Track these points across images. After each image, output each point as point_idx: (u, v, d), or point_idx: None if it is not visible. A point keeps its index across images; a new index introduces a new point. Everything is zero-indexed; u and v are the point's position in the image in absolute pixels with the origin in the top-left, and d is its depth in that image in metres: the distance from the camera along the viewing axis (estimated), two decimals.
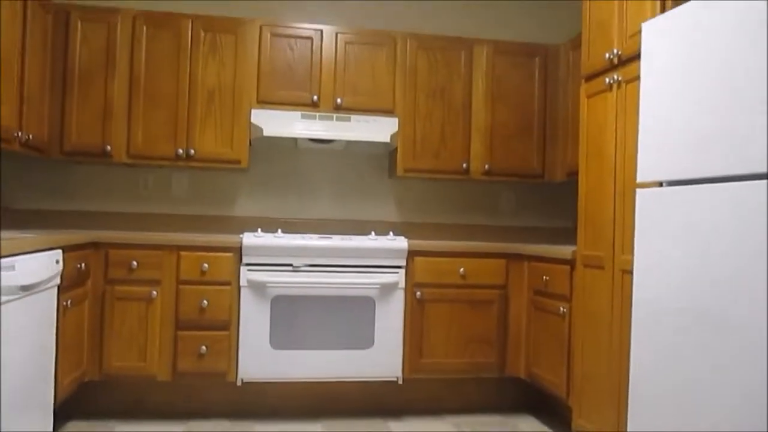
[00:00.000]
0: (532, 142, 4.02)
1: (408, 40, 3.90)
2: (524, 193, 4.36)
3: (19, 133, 3.14)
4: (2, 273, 2.14)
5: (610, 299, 2.72)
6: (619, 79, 2.71)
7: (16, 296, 2.29)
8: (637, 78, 2.54)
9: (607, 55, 2.79)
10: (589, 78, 2.99)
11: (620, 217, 2.66)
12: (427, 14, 4.27)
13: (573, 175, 3.70)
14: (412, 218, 4.23)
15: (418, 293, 3.54)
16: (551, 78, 4.03)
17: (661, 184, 2.23)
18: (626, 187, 2.61)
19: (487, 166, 3.93)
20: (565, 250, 3.16)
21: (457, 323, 3.58)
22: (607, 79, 2.79)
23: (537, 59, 4.03)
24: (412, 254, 3.55)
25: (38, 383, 2.58)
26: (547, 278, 3.34)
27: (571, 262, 3.11)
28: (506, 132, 3.99)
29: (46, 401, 2.69)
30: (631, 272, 2.48)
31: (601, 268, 2.80)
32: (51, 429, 2.77)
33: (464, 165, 3.91)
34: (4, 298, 2.18)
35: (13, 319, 2.29)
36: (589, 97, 2.98)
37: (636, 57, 2.57)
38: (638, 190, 2.28)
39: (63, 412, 3.28)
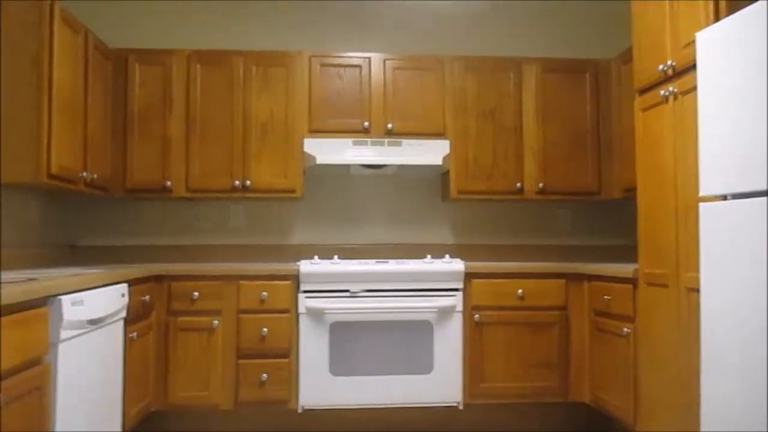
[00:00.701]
0: (587, 160, 3.94)
1: (455, 63, 3.91)
2: (580, 212, 4.28)
3: (84, 174, 3.27)
4: (72, 308, 2.22)
5: (676, 318, 2.62)
6: (675, 90, 2.64)
7: (85, 330, 2.37)
8: (694, 89, 2.47)
9: (660, 67, 2.73)
10: (643, 91, 2.93)
11: (683, 233, 2.57)
12: (474, 36, 4.27)
13: (630, 191, 3.61)
14: (467, 240, 4.21)
15: (476, 316, 3.50)
16: (603, 93, 3.97)
17: (725, 198, 2.15)
18: (688, 201, 2.53)
19: (541, 185, 3.88)
20: (626, 269, 3.08)
21: (516, 346, 3.52)
22: (662, 92, 2.72)
23: (587, 75, 3.97)
24: (468, 276, 3.52)
25: (107, 413, 2.65)
26: (609, 298, 3.25)
27: (633, 281, 3.02)
28: (559, 150, 3.93)
29: (115, 427, 2.76)
30: (697, 290, 2.39)
31: (665, 286, 2.71)
32: None
33: (518, 185, 3.87)
34: (73, 332, 2.25)
35: (83, 351, 2.37)
36: (644, 110, 2.91)
37: (691, 67, 2.50)
38: (701, 205, 2.21)
39: None
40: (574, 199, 3.97)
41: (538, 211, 4.25)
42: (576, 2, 4.34)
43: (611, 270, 3.23)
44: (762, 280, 1.92)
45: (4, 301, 1.78)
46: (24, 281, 2.09)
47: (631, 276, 3.01)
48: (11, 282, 2.05)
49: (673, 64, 2.65)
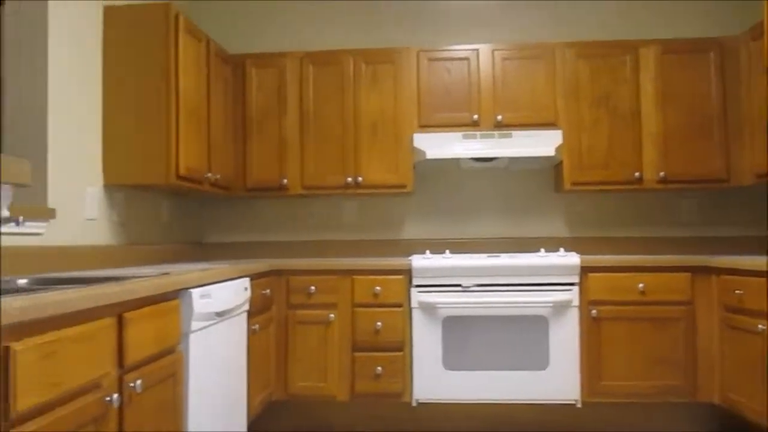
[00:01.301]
0: (713, 144, 3.70)
1: (566, 50, 3.79)
2: (707, 201, 4.02)
3: (209, 175, 3.47)
4: (200, 300, 2.36)
5: None
6: None
7: (213, 321, 2.52)
8: None
9: None
10: None
11: None
12: (585, 21, 4.12)
13: (764, 176, 3.36)
14: (583, 233, 4.07)
15: (594, 311, 3.38)
16: (729, 73, 3.70)
17: None
18: None
19: (662, 174, 3.69)
20: (760, 261, 2.86)
21: (638, 343, 3.36)
22: None
23: (711, 55, 3.72)
24: (585, 270, 3.41)
25: (234, 400, 2.81)
26: (741, 293, 3.03)
27: None
28: (681, 136, 3.72)
29: (241, 418, 2.91)
30: None
31: None
32: None
33: (636, 174, 3.70)
34: (202, 323, 2.40)
35: (211, 342, 2.52)
36: None
37: None
38: None
39: (254, 430, 3.52)
40: (699, 188, 3.74)
41: (660, 201, 4.04)
42: None
43: (743, 263, 3.01)
44: None
45: (142, 294, 1.92)
46: (158, 275, 2.25)
47: (766, 269, 2.79)
48: (148, 276, 2.22)
49: None
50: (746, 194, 3.98)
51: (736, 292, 3.07)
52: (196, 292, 2.33)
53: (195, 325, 2.33)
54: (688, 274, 3.37)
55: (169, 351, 2.17)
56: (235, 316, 2.80)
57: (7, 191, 1.21)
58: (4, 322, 1.28)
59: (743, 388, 3.05)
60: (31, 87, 2.65)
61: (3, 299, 1.32)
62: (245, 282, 2.94)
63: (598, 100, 3.77)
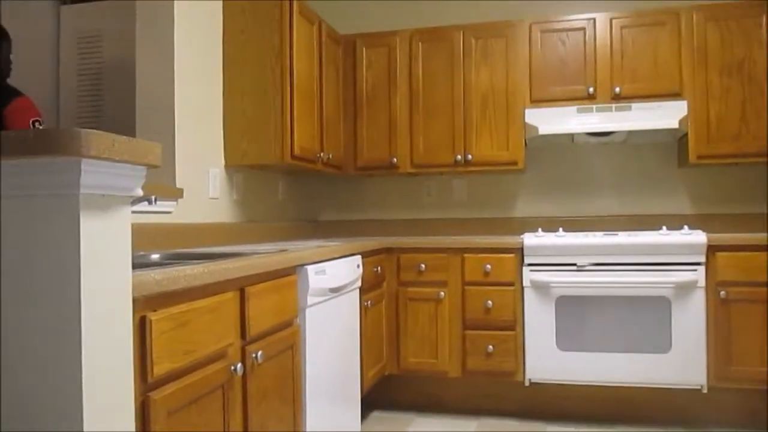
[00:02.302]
0: None
1: (694, 13, 3.53)
2: None
3: (321, 154, 3.56)
4: (316, 276, 2.44)
5: None
6: None
7: (327, 297, 2.60)
8: None
9: None
10: None
11: None
12: None
13: None
14: (709, 209, 3.81)
15: (722, 293, 3.17)
16: None
17: None
18: None
19: None
20: None
21: None
22: None
23: None
24: (712, 249, 3.20)
25: (349, 373, 2.89)
26: None
27: None
28: None
29: (355, 389, 3.00)
30: None
31: None
32: (360, 414, 3.08)
33: None
34: (318, 299, 2.48)
35: (326, 316, 2.60)
36: None
37: None
38: None
39: (367, 403, 3.62)
40: None
41: None
42: None
43: None
44: None
45: (262, 270, 2.01)
46: (277, 252, 2.35)
47: None
48: (267, 252, 2.32)
49: None
50: None
51: None
52: (311, 269, 2.41)
53: (311, 299, 2.41)
54: None
55: (288, 324, 2.26)
56: (348, 292, 2.87)
57: (141, 172, 1.30)
58: (142, 293, 1.38)
59: None
60: (159, 78, 2.84)
61: (140, 272, 1.42)
62: (357, 259, 3.00)
63: (730, 67, 3.50)
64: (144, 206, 1.84)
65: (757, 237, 3.17)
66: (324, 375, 2.57)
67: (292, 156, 3.22)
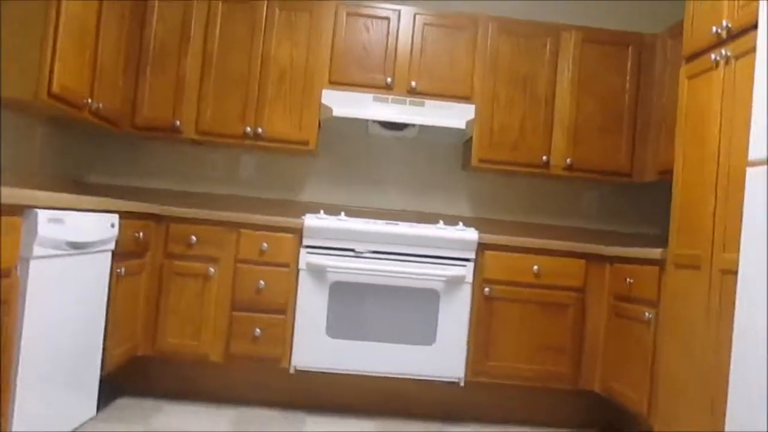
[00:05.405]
0: (621, 138, 3.70)
1: (490, 24, 3.68)
2: (609, 194, 4.03)
3: (90, 101, 3.11)
4: (48, 225, 2.06)
5: (705, 304, 2.39)
6: (728, 54, 2.39)
7: (64, 252, 2.21)
8: (751, 50, 2.23)
9: (714, 29, 2.48)
10: (691, 58, 2.68)
11: (722, 210, 2.34)
12: None
13: (665, 174, 3.37)
14: (485, 214, 3.99)
15: (487, 289, 3.29)
16: (645, 70, 3.71)
17: None
18: (731, 175, 2.29)
19: (569, 161, 3.65)
20: (652, 251, 2.85)
21: (528, 326, 3.31)
22: (713, 56, 2.48)
23: (630, 49, 3.72)
24: (482, 247, 3.31)
25: (86, 347, 2.50)
26: (632, 281, 3.02)
27: (660, 263, 2.79)
28: (592, 126, 3.69)
29: (93, 368, 2.61)
30: (734, 272, 2.16)
31: (697, 268, 2.47)
32: (96, 399, 2.69)
33: (544, 158, 3.64)
34: (49, 251, 2.10)
35: (60, 274, 2.22)
36: (690, 78, 2.67)
37: (751, 28, 2.26)
38: (749, 170, 1.98)
39: (113, 388, 3.21)
40: (603, 180, 3.72)
41: (564, 190, 4.01)
42: None
43: (636, 252, 2.99)
44: None
45: None
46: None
47: (658, 257, 2.78)
48: None
49: (729, 25, 2.41)
50: (647, 191, 4.02)
51: (628, 280, 3.06)
52: (43, 213, 2.03)
53: (39, 250, 2.03)
54: (582, 261, 3.34)
55: (4, 274, 1.87)
56: (94, 252, 2.50)
57: None
58: None
59: (624, 378, 3.04)
60: None
61: None
62: (113, 218, 2.63)
63: (515, 80, 3.69)
64: None
65: (523, 240, 3.34)
66: (49, 346, 2.17)
67: (50, 93, 2.76)
